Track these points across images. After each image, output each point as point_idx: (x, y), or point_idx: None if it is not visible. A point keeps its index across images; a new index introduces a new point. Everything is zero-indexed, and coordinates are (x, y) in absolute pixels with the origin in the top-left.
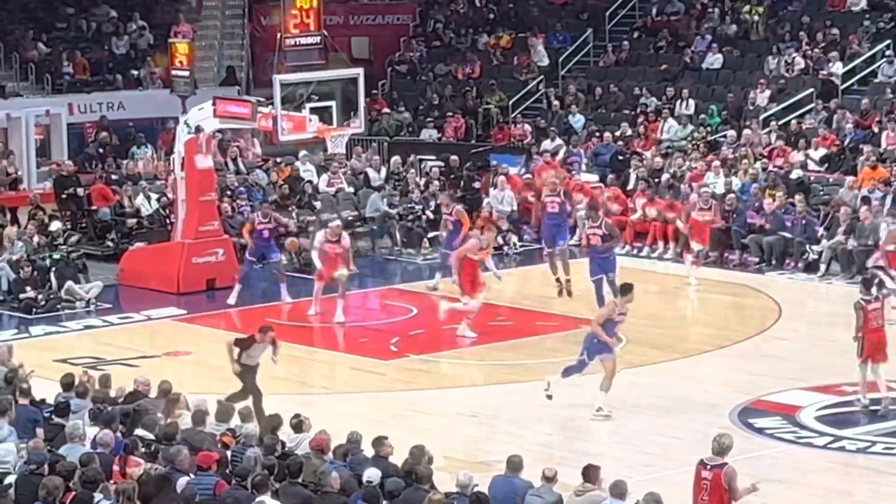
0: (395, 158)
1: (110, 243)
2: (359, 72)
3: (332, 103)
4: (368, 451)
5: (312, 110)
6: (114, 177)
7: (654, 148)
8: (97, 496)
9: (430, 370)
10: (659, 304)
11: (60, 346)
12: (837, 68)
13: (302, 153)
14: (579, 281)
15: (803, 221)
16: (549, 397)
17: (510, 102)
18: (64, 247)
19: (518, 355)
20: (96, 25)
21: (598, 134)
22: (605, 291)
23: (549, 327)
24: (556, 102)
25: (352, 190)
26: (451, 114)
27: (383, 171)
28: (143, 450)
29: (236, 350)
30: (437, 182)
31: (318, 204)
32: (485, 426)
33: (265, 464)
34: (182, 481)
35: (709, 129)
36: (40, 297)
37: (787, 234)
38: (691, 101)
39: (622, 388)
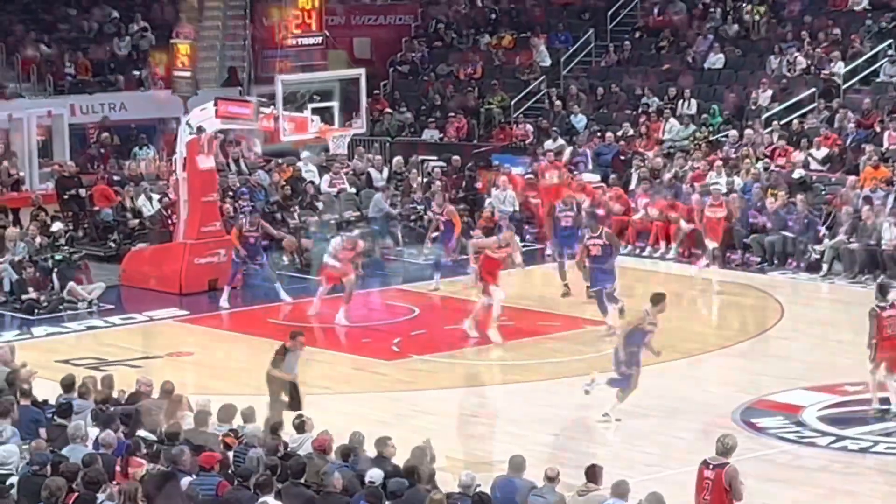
0: (398, 159)
1: (112, 244)
2: (360, 72)
3: (334, 104)
4: (371, 452)
5: (314, 111)
6: (116, 177)
7: (656, 148)
8: (100, 496)
9: (432, 370)
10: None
11: (63, 346)
12: (839, 68)
13: (304, 154)
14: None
15: (805, 221)
16: (588, 392)
17: (512, 102)
18: (66, 248)
19: (520, 355)
20: (98, 26)
21: (599, 134)
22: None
23: (551, 327)
24: (557, 102)
25: (354, 190)
26: (452, 114)
27: (385, 171)
28: (145, 450)
29: (274, 369)
30: (438, 182)
31: (320, 204)
32: (487, 426)
33: (268, 464)
34: (185, 482)
35: (710, 128)
36: (42, 297)
37: (789, 234)
38: (693, 101)
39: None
